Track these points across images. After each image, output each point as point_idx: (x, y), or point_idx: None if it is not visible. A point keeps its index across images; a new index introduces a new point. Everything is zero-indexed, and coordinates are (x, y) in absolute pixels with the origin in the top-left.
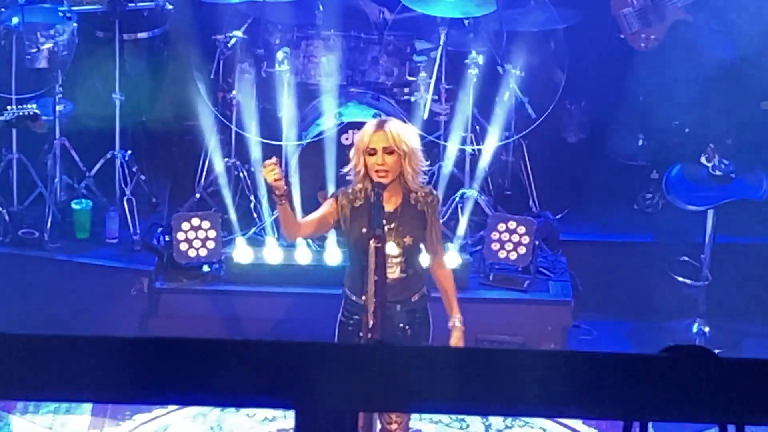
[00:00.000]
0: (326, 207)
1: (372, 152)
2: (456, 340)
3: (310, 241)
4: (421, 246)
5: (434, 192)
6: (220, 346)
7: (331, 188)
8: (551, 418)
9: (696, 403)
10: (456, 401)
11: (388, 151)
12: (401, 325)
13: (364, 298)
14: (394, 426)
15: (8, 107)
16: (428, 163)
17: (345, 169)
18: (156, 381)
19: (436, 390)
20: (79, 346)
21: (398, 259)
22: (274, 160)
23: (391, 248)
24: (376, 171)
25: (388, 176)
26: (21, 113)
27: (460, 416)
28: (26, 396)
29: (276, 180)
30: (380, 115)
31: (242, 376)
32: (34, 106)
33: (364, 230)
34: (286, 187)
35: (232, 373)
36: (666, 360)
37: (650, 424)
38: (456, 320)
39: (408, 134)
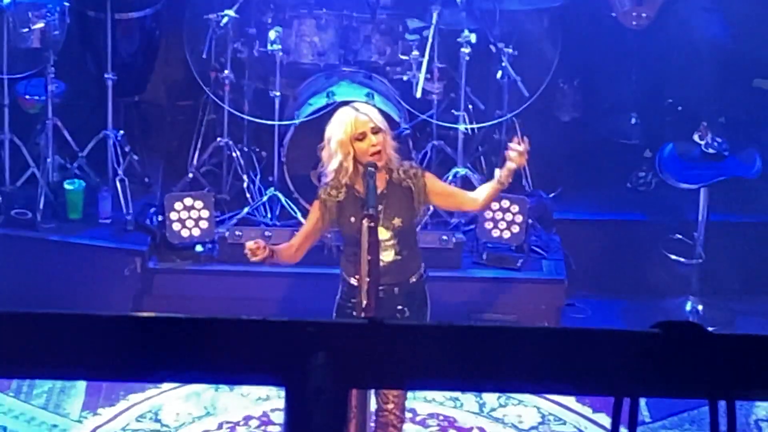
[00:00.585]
0: (313, 215)
1: (361, 137)
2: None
3: (303, 220)
4: (412, 228)
5: (415, 165)
6: (211, 324)
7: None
8: (543, 394)
9: (686, 378)
10: (449, 378)
11: (375, 130)
12: (399, 306)
13: (357, 277)
14: (390, 405)
15: None
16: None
17: (328, 169)
18: (147, 359)
19: (428, 367)
20: (71, 324)
21: (390, 242)
22: (252, 244)
23: (381, 232)
24: (372, 154)
25: (383, 156)
26: None
27: (455, 395)
28: (19, 373)
29: (260, 259)
30: (373, 95)
31: (232, 353)
32: None
33: (353, 220)
34: (270, 255)
35: (222, 350)
36: (656, 336)
37: (642, 400)
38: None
39: (378, 113)
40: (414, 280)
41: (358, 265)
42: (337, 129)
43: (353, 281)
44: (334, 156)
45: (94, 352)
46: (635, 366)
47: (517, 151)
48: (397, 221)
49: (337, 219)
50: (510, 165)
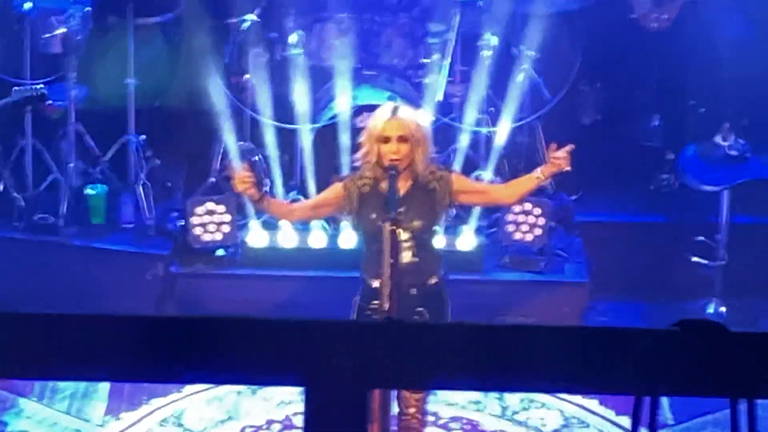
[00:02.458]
0: (331, 191)
1: (386, 140)
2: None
3: (325, 224)
4: (435, 228)
5: (441, 167)
6: (233, 324)
7: (345, 172)
8: (564, 393)
9: (707, 377)
10: (470, 378)
11: (402, 139)
12: (417, 308)
13: (380, 280)
14: (412, 410)
15: (15, 88)
16: (437, 149)
17: (356, 156)
18: (169, 359)
19: (449, 367)
20: (95, 325)
21: (408, 244)
22: (243, 172)
23: (400, 234)
24: (390, 159)
25: (401, 163)
26: (29, 94)
27: (477, 398)
28: (44, 375)
29: (246, 189)
30: (395, 98)
31: (254, 353)
32: (41, 86)
33: (374, 216)
34: (259, 192)
35: (244, 350)
36: (677, 334)
37: (664, 402)
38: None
39: (420, 122)
40: (432, 282)
41: (379, 266)
42: (371, 123)
43: (374, 283)
44: (362, 146)
45: (119, 353)
46: (656, 364)
47: (564, 154)
48: (417, 223)
49: (357, 212)
50: (555, 165)
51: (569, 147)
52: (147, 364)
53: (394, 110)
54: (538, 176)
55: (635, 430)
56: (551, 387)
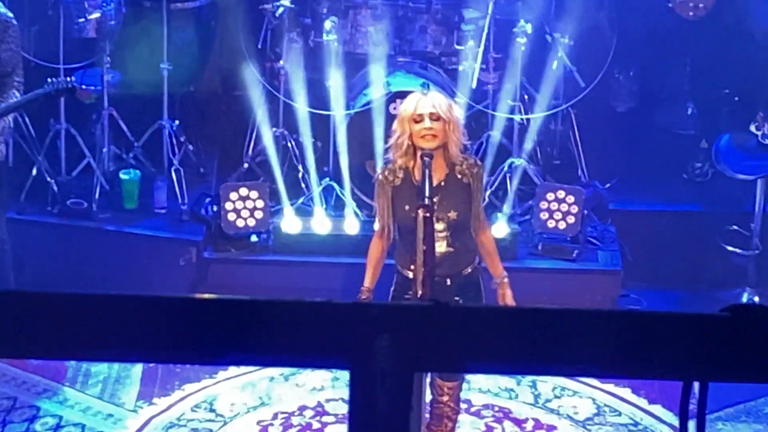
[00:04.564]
0: (379, 200)
1: (419, 119)
2: (506, 296)
3: (357, 211)
4: (468, 221)
5: (479, 162)
6: (275, 306)
7: (379, 160)
8: (609, 378)
9: (756, 363)
10: (513, 362)
11: (435, 117)
12: (454, 298)
13: (412, 268)
14: (445, 398)
15: (49, 79)
16: (470, 137)
17: (389, 142)
18: (211, 341)
19: (493, 350)
20: (133, 305)
21: (443, 234)
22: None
23: (436, 224)
24: (423, 136)
25: (435, 140)
26: (60, 86)
27: (510, 386)
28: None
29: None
30: (428, 85)
31: (297, 336)
32: (72, 78)
33: (407, 207)
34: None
35: (286, 333)
36: (727, 319)
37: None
38: (503, 278)
39: (451, 104)
40: (468, 271)
41: (413, 255)
42: (403, 106)
43: (408, 273)
44: (394, 132)
45: (159, 333)
46: (706, 350)
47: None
48: (452, 214)
49: (391, 203)
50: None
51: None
52: (188, 345)
53: (425, 93)
54: (498, 282)
55: (684, 416)
56: (597, 371)
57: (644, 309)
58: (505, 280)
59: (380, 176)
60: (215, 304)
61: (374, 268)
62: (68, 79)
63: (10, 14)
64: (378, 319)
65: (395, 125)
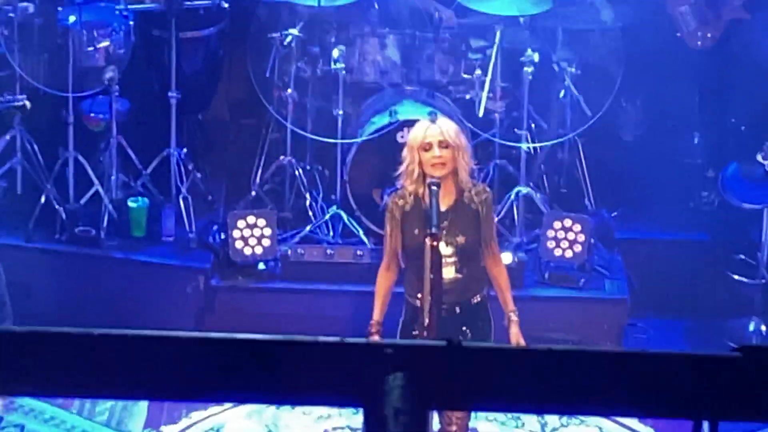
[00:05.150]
0: (388, 227)
1: (428, 147)
2: (514, 336)
3: (365, 238)
4: (477, 247)
5: (488, 189)
6: (289, 345)
7: (387, 186)
8: (621, 417)
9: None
10: (523, 401)
11: (444, 144)
12: (462, 327)
13: (420, 295)
14: (453, 428)
15: None
16: (478, 165)
17: (399, 170)
18: (223, 380)
19: (505, 389)
20: (147, 344)
21: (452, 259)
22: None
23: (443, 248)
24: (433, 165)
25: (444, 168)
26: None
27: (516, 414)
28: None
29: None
30: (435, 113)
31: (310, 374)
32: (23, 95)
33: (416, 232)
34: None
35: (300, 371)
36: (737, 359)
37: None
38: (512, 314)
39: (458, 129)
40: (477, 300)
41: (421, 283)
42: (412, 135)
43: (416, 302)
44: (404, 160)
45: (172, 372)
46: (715, 390)
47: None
48: (461, 239)
49: (401, 229)
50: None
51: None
52: (203, 383)
53: (434, 120)
54: (509, 317)
55: None
56: (609, 411)
57: (653, 345)
58: (513, 317)
59: (390, 203)
60: (229, 344)
61: (382, 299)
62: (18, 96)
63: None
64: (391, 358)
65: (405, 153)
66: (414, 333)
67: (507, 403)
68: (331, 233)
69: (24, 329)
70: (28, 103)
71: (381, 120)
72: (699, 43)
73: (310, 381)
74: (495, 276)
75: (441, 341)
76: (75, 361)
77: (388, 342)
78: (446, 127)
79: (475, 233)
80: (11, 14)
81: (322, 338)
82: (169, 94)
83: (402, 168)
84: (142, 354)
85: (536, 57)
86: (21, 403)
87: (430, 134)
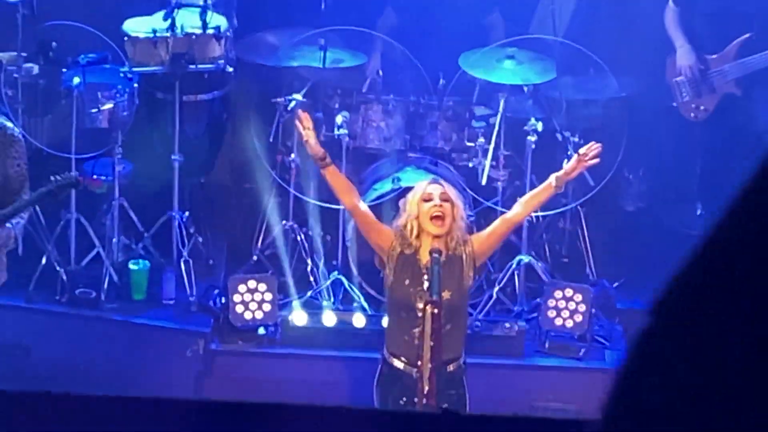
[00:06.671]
0: (385, 228)
1: (428, 197)
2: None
3: (365, 305)
4: (461, 302)
5: (468, 235)
6: (288, 410)
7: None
8: None
9: None
10: None
11: (444, 197)
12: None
13: (402, 361)
14: None
15: (51, 177)
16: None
17: (394, 224)
18: None
19: None
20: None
21: None
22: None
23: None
24: (433, 217)
25: (444, 223)
26: (63, 182)
27: None
28: None
29: (309, 140)
30: (438, 181)
31: None
32: (75, 173)
33: (407, 282)
34: (323, 150)
35: None
36: None
37: None
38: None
39: (458, 195)
40: (451, 369)
41: (407, 345)
42: (411, 193)
43: (398, 363)
44: (402, 213)
45: None
46: None
47: (593, 152)
48: (446, 294)
49: (392, 267)
50: (572, 168)
51: (597, 146)
52: None
53: (434, 180)
54: (551, 182)
55: None
56: None
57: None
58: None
59: (397, 233)
60: (227, 408)
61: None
62: (71, 174)
63: (17, 129)
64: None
65: (402, 206)
66: (402, 399)
67: None
68: (332, 299)
69: (23, 391)
70: (81, 178)
71: (384, 186)
72: (692, 114)
73: None
74: (522, 206)
75: (438, 409)
76: (74, 422)
77: (388, 411)
78: (447, 186)
79: (460, 285)
80: (16, 75)
81: (321, 405)
82: (172, 156)
83: (398, 221)
84: (140, 417)
85: (540, 126)
86: None
87: (432, 189)
